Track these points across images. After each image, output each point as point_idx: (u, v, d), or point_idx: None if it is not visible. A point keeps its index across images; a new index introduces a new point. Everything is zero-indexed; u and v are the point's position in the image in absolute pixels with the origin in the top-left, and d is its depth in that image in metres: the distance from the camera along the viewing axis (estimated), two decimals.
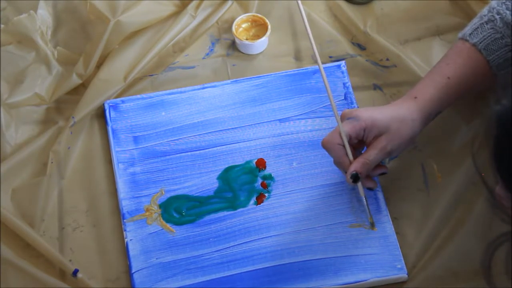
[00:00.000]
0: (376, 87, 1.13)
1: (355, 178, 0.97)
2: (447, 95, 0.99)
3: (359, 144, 1.00)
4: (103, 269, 1.00)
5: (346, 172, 0.98)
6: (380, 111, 0.97)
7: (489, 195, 0.76)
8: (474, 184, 1.02)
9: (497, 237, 0.77)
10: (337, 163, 0.99)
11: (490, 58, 0.98)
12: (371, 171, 0.98)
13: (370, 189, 1.01)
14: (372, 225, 1.01)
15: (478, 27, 0.99)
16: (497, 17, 0.98)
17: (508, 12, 0.97)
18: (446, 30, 1.17)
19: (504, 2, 0.98)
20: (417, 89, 0.99)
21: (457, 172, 1.04)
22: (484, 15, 0.99)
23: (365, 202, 1.00)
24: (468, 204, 1.02)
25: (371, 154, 0.97)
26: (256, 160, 1.06)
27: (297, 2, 1.01)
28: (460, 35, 1.02)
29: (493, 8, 0.99)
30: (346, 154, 0.97)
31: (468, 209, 1.01)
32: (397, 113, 0.97)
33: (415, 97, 0.98)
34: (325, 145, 0.98)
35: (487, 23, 0.98)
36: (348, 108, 1.06)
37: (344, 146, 0.97)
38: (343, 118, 0.98)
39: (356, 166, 0.96)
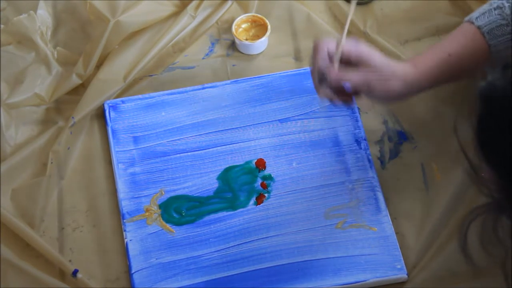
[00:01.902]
0: None
1: (322, 77, 0.96)
2: (444, 72, 0.99)
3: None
4: (103, 269, 1.00)
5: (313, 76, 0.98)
6: (383, 57, 0.97)
7: (470, 167, 0.76)
8: (474, 184, 1.03)
9: (474, 209, 0.77)
10: (314, 66, 0.98)
11: (492, 43, 0.99)
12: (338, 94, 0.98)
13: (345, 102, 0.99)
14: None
15: (486, 12, 0.99)
16: (506, 4, 0.98)
17: None
18: (446, 31, 1.17)
19: None
20: (419, 60, 0.99)
21: (457, 172, 1.04)
22: (494, 2, 1.00)
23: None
24: (468, 204, 1.02)
25: (353, 75, 0.96)
26: (256, 160, 1.06)
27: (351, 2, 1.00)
28: (466, 18, 1.01)
29: None
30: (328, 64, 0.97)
31: (468, 209, 1.01)
32: (396, 68, 0.97)
33: (415, 66, 0.99)
34: (317, 44, 0.97)
35: (495, 9, 0.99)
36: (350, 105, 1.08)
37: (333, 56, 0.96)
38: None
39: (332, 71, 0.96)
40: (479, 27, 0.99)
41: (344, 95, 0.98)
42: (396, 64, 0.97)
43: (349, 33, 1.18)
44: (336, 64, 0.96)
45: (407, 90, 0.97)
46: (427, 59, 0.99)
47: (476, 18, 1.00)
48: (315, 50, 0.97)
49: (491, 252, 0.79)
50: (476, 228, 0.78)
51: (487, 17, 0.99)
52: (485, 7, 1.00)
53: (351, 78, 0.96)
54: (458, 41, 0.99)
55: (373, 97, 0.98)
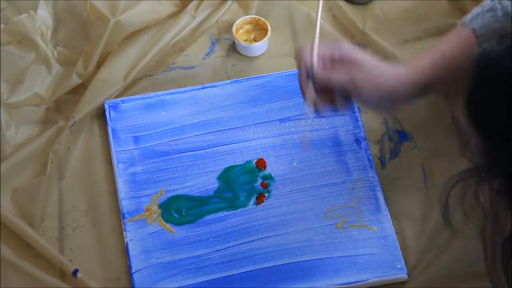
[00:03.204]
0: None
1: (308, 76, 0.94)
2: (437, 70, 0.97)
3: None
4: (103, 269, 1.00)
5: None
6: (370, 56, 0.95)
7: (458, 132, 0.77)
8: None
9: (457, 174, 0.77)
10: (301, 69, 0.96)
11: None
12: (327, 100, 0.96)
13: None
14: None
15: (479, 14, 0.99)
16: (499, 6, 0.98)
17: (509, 3, 0.98)
18: (446, 31, 1.16)
19: None
20: (411, 61, 0.98)
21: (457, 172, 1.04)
22: (487, 3, 1.00)
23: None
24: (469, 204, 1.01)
25: (337, 72, 0.93)
26: (256, 160, 1.06)
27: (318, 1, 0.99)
28: (460, 21, 1.01)
29: None
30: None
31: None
32: (385, 67, 0.94)
33: (407, 66, 0.98)
34: (302, 47, 0.96)
35: (488, 12, 0.99)
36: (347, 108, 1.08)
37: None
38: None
39: (316, 70, 0.93)
40: (473, 30, 0.99)
41: (330, 98, 0.95)
42: (384, 64, 0.95)
43: (349, 33, 1.18)
44: (315, 58, 0.94)
45: (399, 87, 0.94)
46: (420, 59, 0.98)
47: (470, 20, 0.99)
48: (299, 54, 0.95)
49: (471, 217, 0.79)
50: (458, 192, 0.78)
51: (480, 20, 0.98)
52: (477, 9, 1.00)
53: (334, 75, 0.93)
54: (451, 41, 0.99)
55: (363, 97, 0.94)
